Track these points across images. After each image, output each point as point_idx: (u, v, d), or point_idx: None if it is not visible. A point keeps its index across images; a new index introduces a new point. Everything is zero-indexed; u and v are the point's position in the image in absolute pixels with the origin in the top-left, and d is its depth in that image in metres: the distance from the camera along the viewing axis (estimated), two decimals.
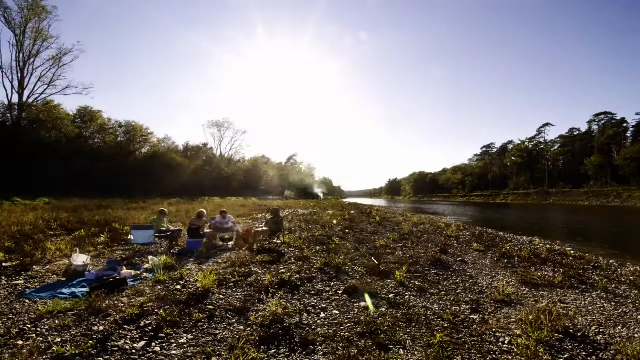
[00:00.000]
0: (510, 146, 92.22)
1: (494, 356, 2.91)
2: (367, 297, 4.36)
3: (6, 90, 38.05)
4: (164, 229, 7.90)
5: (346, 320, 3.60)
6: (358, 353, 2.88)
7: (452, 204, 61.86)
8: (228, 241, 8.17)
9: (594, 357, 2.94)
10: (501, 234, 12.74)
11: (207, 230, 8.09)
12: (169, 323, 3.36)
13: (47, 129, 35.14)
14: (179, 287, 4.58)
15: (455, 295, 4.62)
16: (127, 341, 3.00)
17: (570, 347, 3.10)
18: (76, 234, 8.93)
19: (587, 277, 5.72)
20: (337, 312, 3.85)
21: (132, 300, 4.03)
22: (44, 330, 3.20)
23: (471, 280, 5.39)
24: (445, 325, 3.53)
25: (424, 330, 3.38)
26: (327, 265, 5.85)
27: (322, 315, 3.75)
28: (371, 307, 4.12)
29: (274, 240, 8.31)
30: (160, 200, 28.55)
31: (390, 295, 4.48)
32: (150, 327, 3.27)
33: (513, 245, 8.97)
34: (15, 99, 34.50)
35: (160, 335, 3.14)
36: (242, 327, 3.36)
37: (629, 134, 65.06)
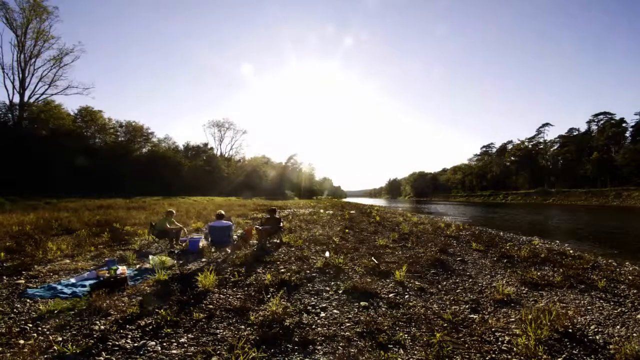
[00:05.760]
0: (510, 146, 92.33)
1: (494, 355, 2.92)
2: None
3: (7, 90, 38.30)
4: (170, 228, 7.82)
5: (346, 320, 3.61)
6: (358, 353, 2.89)
7: (452, 204, 61.87)
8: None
9: (592, 357, 2.95)
10: (501, 233, 12.74)
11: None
12: (169, 322, 3.38)
13: (48, 129, 35.19)
14: (179, 286, 4.59)
15: (455, 294, 4.63)
16: (128, 340, 3.01)
17: (569, 346, 3.11)
18: (77, 233, 8.95)
19: (586, 276, 5.73)
20: (337, 311, 3.86)
21: (133, 300, 4.05)
22: (45, 330, 3.22)
23: (471, 280, 5.40)
24: (445, 324, 3.55)
25: (424, 330, 3.40)
26: (327, 265, 5.87)
27: (322, 314, 3.77)
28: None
29: (274, 240, 8.33)
30: (161, 199, 28.58)
31: (390, 295, 4.49)
32: (150, 327, 3.29)
33: (512, 245, 8.98)
34: (16, 99, 34.61)
35: (160, 334, 3.15)
36: (242, 327, 3.37)
37: (628, 134, 65.07)
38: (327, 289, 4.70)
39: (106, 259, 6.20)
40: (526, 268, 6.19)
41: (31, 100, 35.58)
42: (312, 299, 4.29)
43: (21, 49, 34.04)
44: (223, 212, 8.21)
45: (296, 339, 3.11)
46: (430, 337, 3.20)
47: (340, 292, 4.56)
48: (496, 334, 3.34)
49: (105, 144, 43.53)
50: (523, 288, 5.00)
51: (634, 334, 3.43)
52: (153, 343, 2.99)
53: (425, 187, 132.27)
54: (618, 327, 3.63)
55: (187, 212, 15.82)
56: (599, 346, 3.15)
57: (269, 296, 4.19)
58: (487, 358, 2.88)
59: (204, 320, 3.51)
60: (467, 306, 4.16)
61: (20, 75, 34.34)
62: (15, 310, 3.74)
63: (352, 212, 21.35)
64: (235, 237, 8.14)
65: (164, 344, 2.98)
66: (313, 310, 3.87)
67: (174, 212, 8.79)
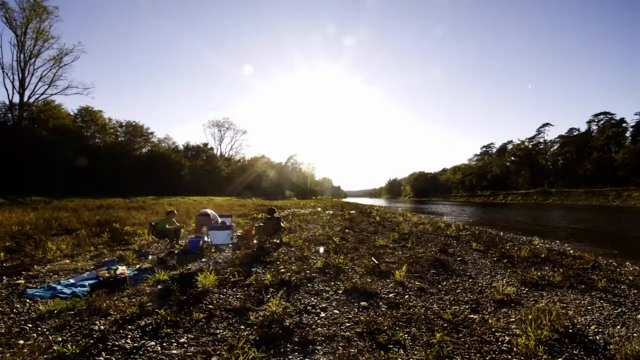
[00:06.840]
0: (510, 146, 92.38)
1: (494, 355, 2.91)
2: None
3: (7, 90, 38.38)
4: (170, 228, 7.79)
5: (346, 320, 3.61)
6: (358, 353, 2.89)
7: (452, 204, 61.84)
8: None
9: (593, 357, 2.95)
10: (501, 233, 12.74)
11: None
12: (169, 322, 3.38)
13: (48, 129, 35.18)
14: (179, 286, 4.59)
15: (455, 294, 4.62)
16: (128, 340, 3.01)
17: (569, 346, 3.11)
18: (77, 233, 8.94)
19: (587, 276, 5.73)
20: (337, 311, 3.86)
21: (133, 300, 4.04)
22: (45, 330, 3.21)
23: (471, 280, 5.40)
24: (445, 324, 3.54)
25: (424, 330, 3.39)
26: (327, 265, 5.87)
27: (322, 315, 3.76)
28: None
29: (274, 240, 8.32)
30: (161, 199, 28.56)
31: (390, 295, 4.49)
32: (150, 327, 3.29)
33: (512, 245, 8.98)
34: (16, 99, 34.60)
35: (160, 334, 3.15)
36: (242, 327, 3.37)
37: (628, 134, 65.07)
38: (327, 289, 4.70)
39: (106, 259, 6.20)
40: (526, 268, 6.19)
41: (31, 100, 35.60)
42: (312, 299, 4.29)
43: (21, 49, 34.05)
44: (219, 215, 8.24)
45: (296, 339, 3.11)
46: (430, 337, 3.19)
47: (340, 292, 4.56)
48: (496, 334, 3.34)
49: (105, 144, 43.50)
50: (523, 288, 5.00)
51: (635, 334, 3.42)
52: (153, 343, 2.98)
53: (426, 187, 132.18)
54: (618, 327, 3.63)
55: (187, 212, 15.80)
56: (599, 346, 3.14)
57: (268, 296, 4.18)
58: (487, 358, 2.88)
59: (203, 320, 3.51)
60: (467, 306, 4.16)
61: (20, 75, 34.36)
62: (15, 310, 3.73)
63: (352, 212, 21.34)
64: (235, 237, 8.15)
65: (164, 344, 2.98)
66: (313, 311, 3.87)
67: (175, 212, 8.62)
